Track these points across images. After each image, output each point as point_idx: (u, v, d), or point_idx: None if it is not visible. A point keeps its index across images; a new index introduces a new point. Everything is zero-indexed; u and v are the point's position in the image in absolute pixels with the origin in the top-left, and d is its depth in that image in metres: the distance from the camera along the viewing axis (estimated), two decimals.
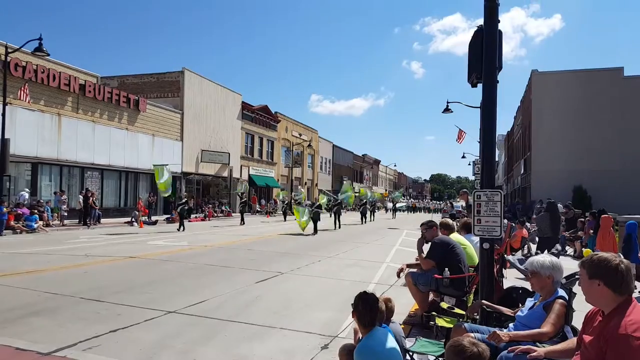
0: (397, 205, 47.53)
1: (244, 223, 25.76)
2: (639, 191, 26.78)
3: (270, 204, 41.57)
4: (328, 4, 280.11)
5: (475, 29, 4.97)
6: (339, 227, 23.97)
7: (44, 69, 21.71)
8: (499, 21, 4.69)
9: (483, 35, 4.72)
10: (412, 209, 66.60)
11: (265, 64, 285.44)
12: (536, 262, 3.74)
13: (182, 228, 20.59)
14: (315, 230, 20.55)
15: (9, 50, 19.23)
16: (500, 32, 4.77)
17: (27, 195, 20.80)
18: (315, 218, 20.75)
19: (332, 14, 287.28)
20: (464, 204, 15.56)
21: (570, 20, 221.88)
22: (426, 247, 6.21)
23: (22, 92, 19.59)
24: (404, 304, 6.53)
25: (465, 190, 14.23)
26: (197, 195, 35.22)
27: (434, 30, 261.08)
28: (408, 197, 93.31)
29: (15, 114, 20.19)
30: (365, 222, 30.20)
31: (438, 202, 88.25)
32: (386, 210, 45.86)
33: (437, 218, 28.07)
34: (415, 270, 6.11)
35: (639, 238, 10.21)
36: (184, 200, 22.25)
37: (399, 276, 6.29)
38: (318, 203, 22.46)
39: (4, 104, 18.37)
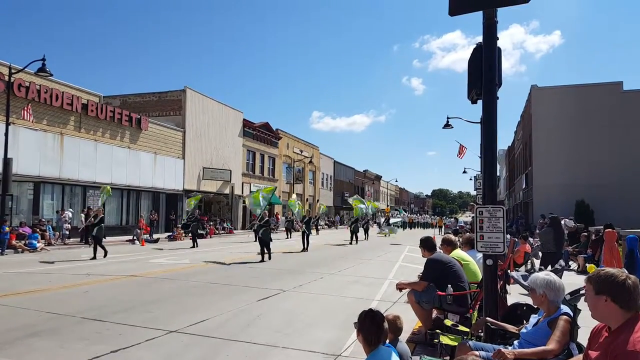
0: (391, 221, 42.53)
1: (196, 245, 21.25)
2: None
3: (272, 220, 41.47)
4: (328, 22, 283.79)
5: (475, 45, 5.01)
6: (306, 249, 19.93)
7: (47, 89, 21.90)
8: (497, 38, 4.72)
9: (482, 52, 4.75)
10: (409, 224, 61.71)
11: (267, 82, 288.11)
12: (532, 279, 3.72)
13: (104, 253, 15.83)
14: (263, 255, 15.76)
15: (13, 70, 19.42)
16: (499, 49, 4.80)
17: (70, 214, 21.16)
18: (264, 238, 15.98)
19: (332, 31, 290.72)
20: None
21: (570, 36, 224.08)
22: None
23: (25, 112, 19.75)
24: (408, 321, 6.45)
25: (472, 203, 14.21)
26: (199, 213, 35.19)
27: (434, 48, 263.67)
28: (410, 212, 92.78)
29: (18, 134, 20.32)
30: (357, 241, 26.31)
31: (432, 217, 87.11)
32: (379, 226, 42.91)
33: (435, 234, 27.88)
34: (408, 289, 6.02)
35: None
36: (93, 217, 16.67)
37: (400, 290, 6.22)
38: (266, 219, 16.84)
39: (7, 124, 18.49)
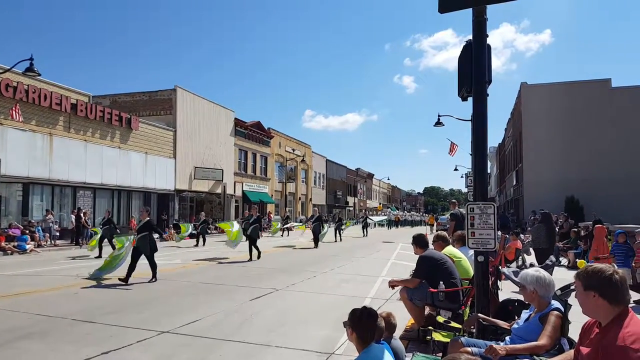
0: (370, 219, 39.30)
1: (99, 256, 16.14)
2: (629, 200, 27.00)
3: (264, 220, 41.42)
4: (320, 20, 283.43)
5: (465, 43, 5.02)
6: (258, 257, 15.52)
7: (35, 89, 21.66)
8: (487, 35, 4.74)
9: (472, 50, 4.76)
10: (396, 222, 57.63)
11: (258, 81, 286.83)
12: (522, 276, 3.74)
13: None
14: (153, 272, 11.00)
15: (0, 70, 19.19)
16: (489, 46, 4.81)
17: (73, 218, 21.10)
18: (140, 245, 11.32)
19: (323, 30, 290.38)
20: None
21: (560, 34, 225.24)
22: None
23: (13, 112, 19.53)
24: (401, 318, 6.44)
25: (454, 200, 14.25)
26: (191, 213, 35.08)
27: (425, 46, 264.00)
28: (402, 210, 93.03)
29: (6, 135, 20.10)
30: (317, 245, 21.64)
31: (416, 214, 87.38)
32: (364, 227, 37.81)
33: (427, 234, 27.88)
34: (401, 287, 6.03)
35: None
36: None
37: (392, 288, 6.23)
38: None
39: None
